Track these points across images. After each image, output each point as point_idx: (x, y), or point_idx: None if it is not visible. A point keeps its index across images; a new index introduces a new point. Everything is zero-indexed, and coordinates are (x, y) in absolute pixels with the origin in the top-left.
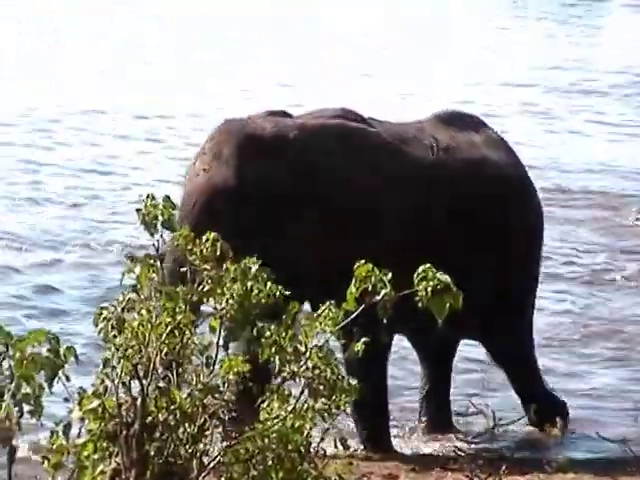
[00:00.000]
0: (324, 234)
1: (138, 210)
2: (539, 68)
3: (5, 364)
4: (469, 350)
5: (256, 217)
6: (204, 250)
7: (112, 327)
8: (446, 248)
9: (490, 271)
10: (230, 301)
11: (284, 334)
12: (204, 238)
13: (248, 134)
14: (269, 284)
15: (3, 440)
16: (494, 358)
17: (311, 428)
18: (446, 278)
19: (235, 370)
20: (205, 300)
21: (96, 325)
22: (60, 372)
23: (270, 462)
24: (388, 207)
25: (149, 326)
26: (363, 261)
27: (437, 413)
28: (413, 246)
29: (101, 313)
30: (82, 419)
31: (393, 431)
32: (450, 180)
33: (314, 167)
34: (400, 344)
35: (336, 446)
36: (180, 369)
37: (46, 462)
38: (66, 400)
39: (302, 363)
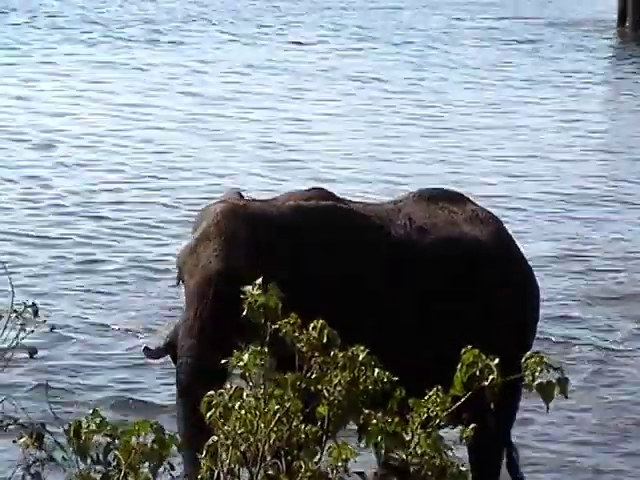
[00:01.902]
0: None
1: (244, 298)
2: None
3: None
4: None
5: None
6: (311, 337)
7: (220, 414)
8: (422, 329)
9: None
10: (338, 388)
11: (390, 420)
12: (311, 326)
13: (260, 217)
14: (377, 370)
15: None
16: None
17: None
18: (553, 363)
19: (343, 457)
20: (313, 387)
21: (204, 412)
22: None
23: None
24: (369, 285)
25: (257, 413)
26: (470, 346)
27: None
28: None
29: (209, 400)
30: None
31: None
32: (423, 259)
33: (310, 247)
34: None
35: None
36: (289, 456)
37: None
38: None
39: (410, 450)
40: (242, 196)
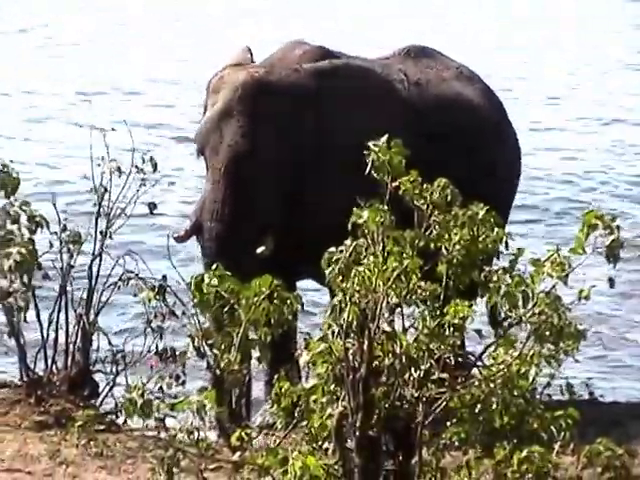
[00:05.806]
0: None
1: (368, 154)
2: None
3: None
4: None
5: None
6: (433, 195)
7: (340, 272)
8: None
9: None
10: (457, 246)
11: (510, 279)
12: (435, 184)
13: (282, 88)
14: (496, 229)
15: (233, 383)
16: None
17: (537, 374)
18: None
19: (461, 315)
20: (432, 245)
21: (324, 269)
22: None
23: (495, 407)
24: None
25: (376, 271)
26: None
27: None
28: None
29: (330, 257)
30: (309, 363)
31: None
32: (424, 115)
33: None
34: None
35: (562, 392)
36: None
37: (275, 405)
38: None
39: (529, 308)
40: (251, 53)
